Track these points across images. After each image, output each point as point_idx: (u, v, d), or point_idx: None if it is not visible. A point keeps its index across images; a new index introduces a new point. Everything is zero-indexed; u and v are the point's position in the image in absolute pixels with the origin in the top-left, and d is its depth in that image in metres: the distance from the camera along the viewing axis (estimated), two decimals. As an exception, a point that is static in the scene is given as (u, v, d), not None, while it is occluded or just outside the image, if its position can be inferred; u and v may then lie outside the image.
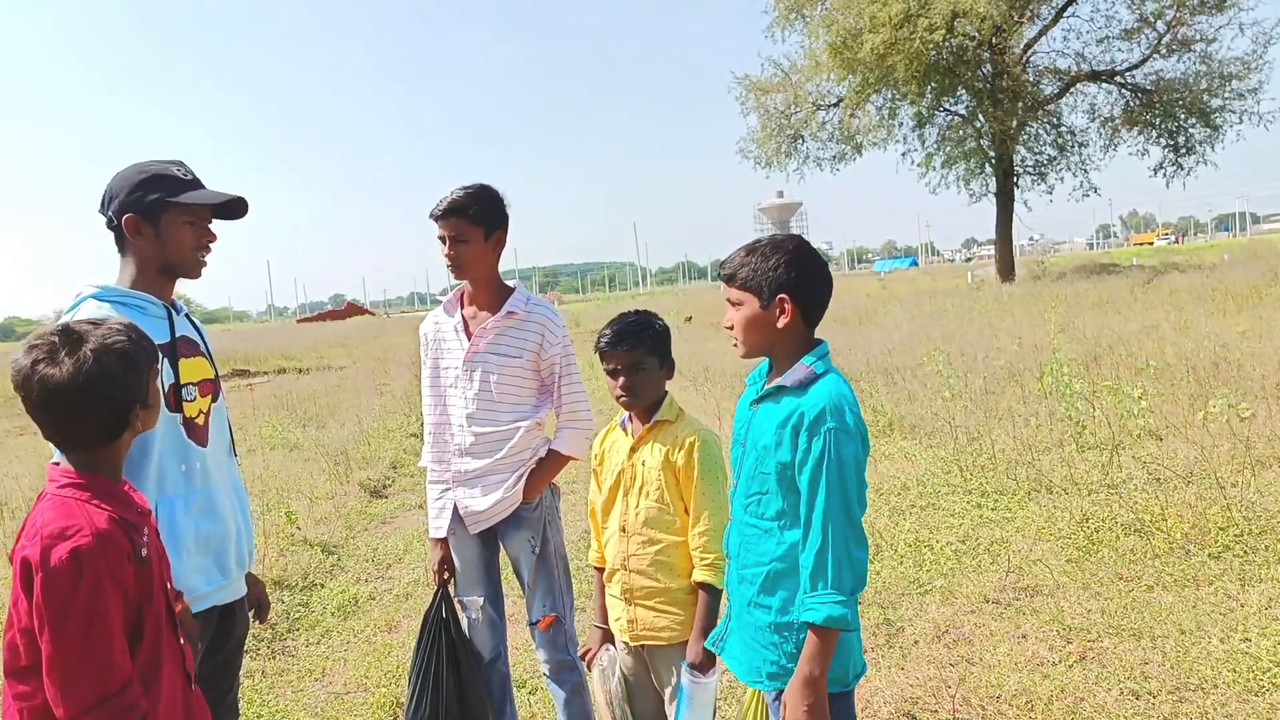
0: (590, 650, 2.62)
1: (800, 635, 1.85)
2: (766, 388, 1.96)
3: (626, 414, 2.52)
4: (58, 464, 1.64)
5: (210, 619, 2.20)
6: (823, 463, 1.77)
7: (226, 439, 2.37)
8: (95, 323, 1.66)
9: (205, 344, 2.34)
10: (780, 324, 1.89)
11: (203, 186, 2.26)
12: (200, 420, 2.21)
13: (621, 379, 2.41)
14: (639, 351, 2.41)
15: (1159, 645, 3.51)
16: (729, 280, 1.96)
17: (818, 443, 1.78)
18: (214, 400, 2.30)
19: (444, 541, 2.93)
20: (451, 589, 2.95)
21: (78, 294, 2.13)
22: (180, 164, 2.26)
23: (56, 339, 1.58)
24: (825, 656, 1.78)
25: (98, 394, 1.57)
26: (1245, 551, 4.30)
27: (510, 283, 2.89)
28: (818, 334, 1.97)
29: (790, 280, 1.87)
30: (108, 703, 1.49)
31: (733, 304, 1.96)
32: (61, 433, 1.62)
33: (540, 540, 2.82)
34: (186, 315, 2.33)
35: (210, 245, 2.28)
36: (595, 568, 2.62)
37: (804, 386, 1.86)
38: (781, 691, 1.92)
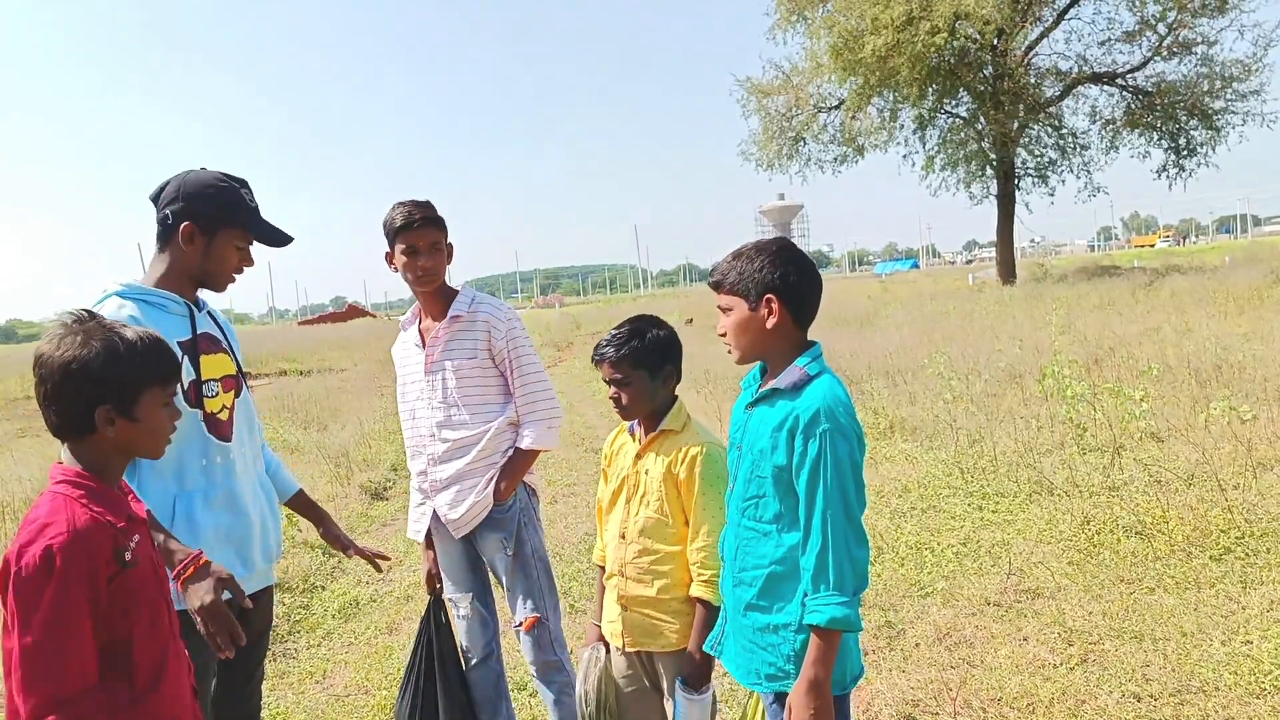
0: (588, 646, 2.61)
1: (799, 637, 1.85)
2: (761, 391, 1.96)
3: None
4: (60, 462, 1.63)
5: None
6: (820, 464, 1.77)
7: (256, 433, 2.42)
8: (124, 323, 1.65)
9: (229, 340, 2.38)
10: (769, 324, 1.89)
11: (259, 213, 2.33)
12: (224, 415, 2.25)
13: (612, 389, 2.39)
14: (624, 364, 2.34)
15: (1160, 648, 3.51)
16: (717, 287, 1.96)
17: (814, 445, 1.78)
18: (237, 395, 2.33)
19: (431, 552, 2.96)
20: (445, 594, 2.97)
21: (104, 290, 2.18)
22: (247, 186, 2.32)
23: (72, 321, 1.59)
24: (829, 658, 1.77)
25: (65, 379, 1.54)
26: (1247, 554, 4.29)
27: (454, 285, 2.87)
28: (812, 336, 1.97)
29: (775, 279, 1.88)
30: (63, 706, 1.43)
31: (724, 310, 1.97)
32: (42, 412, 1.60)
33: (515, 542, 2.80)
34: (209, 312, 2.37)
35: (246, 269, 2.36)
36: (598, 565, 2.60)
37: (798, 389, 1.86)
38: (779, 694, 1.92)
